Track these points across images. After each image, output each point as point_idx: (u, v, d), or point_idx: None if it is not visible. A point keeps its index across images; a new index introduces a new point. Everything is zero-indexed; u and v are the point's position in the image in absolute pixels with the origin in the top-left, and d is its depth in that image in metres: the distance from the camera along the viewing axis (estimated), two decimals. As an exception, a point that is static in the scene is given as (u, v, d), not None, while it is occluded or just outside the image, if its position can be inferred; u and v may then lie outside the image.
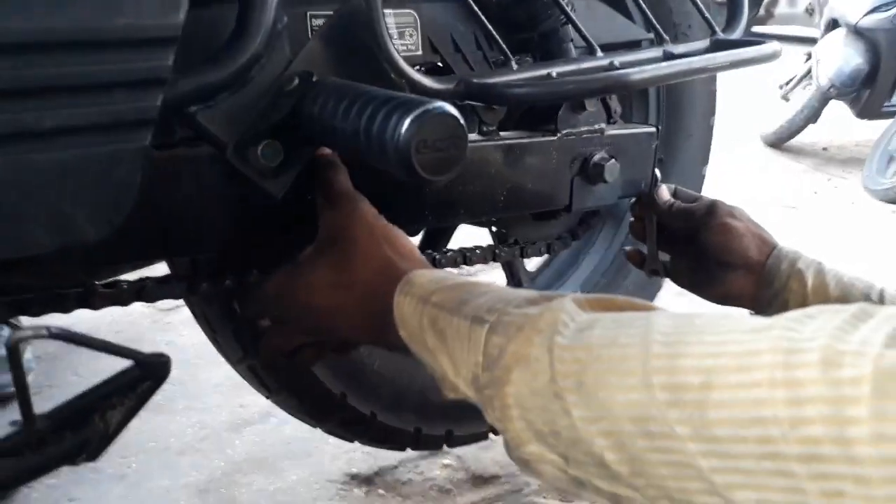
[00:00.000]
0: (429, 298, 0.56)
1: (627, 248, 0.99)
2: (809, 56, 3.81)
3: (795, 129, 3.79)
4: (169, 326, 1.67)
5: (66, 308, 0.67)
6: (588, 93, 0.73)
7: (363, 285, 0.61)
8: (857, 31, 3.49)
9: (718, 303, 0.88)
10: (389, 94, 0.51)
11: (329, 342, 0.67)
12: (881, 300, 0.76)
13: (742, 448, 0.38)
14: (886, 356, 0.34)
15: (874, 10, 3.45)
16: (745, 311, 0.87)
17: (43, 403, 1.35)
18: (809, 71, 3.76)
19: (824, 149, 3.97)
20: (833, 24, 3.73)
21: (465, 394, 0.54)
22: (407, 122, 0.47)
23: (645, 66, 0.69)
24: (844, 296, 0.77)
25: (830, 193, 3.16)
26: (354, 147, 0.52)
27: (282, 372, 0.93)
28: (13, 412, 1.35)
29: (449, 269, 0.92)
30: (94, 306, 0.68)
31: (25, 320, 0.82)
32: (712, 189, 3.20)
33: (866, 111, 3.66)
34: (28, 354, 1.44)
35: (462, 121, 0.50)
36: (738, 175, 3.34)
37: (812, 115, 3.69)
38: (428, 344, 0.55)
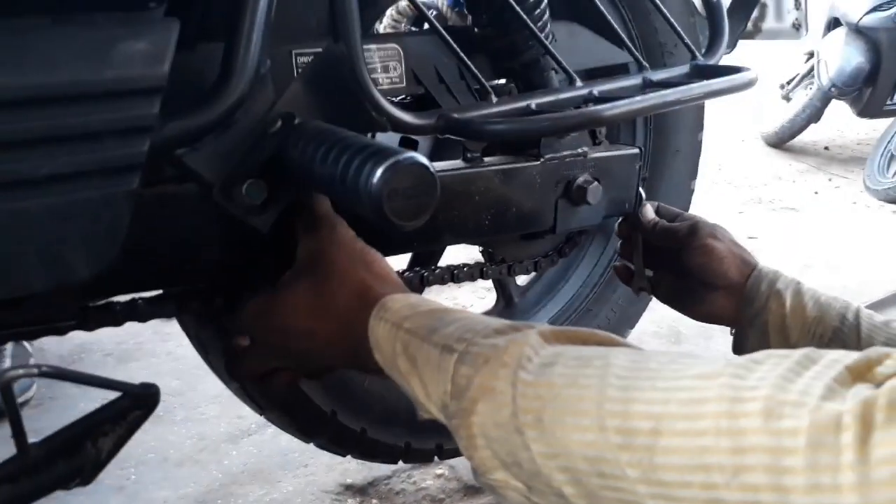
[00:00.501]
0: (402, 324, 0.58)
1: (616, 263, 1.01)
2: (811, 55, 3.81)
3: (797, 128, 3.79)
4: (169, 337, 1.69)
5: (60, 332, 0.69)
6: (562, 129, 0.75)
7: (340, 309, 0.62)
8: (859, 30, 3.48)
9: (701, 321, 0.90)
10: (364, 143, 0.53)
11: (304, 366, 0.68)
12: (856, 319, 0.78)
13: (687, 493, 0.40)
14: (823, 409, 0.36)
15: (875, 8, 3.44)
16: (725, 329, 0.89)
17: (45, 416, 1.39)
18: (811, 70, 3.76)
19: (826, 148, 3.97)
20: (834, 24, 3.72)
21: (437, 417, 0.56)
22: (378, 172, 0.50)
23: (619, 100, 0.70)
24: (821, 315, 0.78)
25: (831, 193, 3.17)
26: (331, 192, 0.54)
27: (272, 392, 0.95)
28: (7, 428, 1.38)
29: (436, 286, 0.94)
30: (89, 328, 0.70)
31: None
32: (713, 191, 3.18)
33: (868, 110, 3.66)
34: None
35: (432, 169, 0.52)
36: (739, 176, 3.35)
37: (814, 114, 3.69)
38: (401, 369, 0.57)
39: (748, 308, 0.82)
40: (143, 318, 0.73)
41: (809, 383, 0.38)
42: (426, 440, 1.07)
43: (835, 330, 0.77)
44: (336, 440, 1.03)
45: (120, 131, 0.54)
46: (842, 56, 3.52)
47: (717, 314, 0.86)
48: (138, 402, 0.62)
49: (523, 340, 0.51)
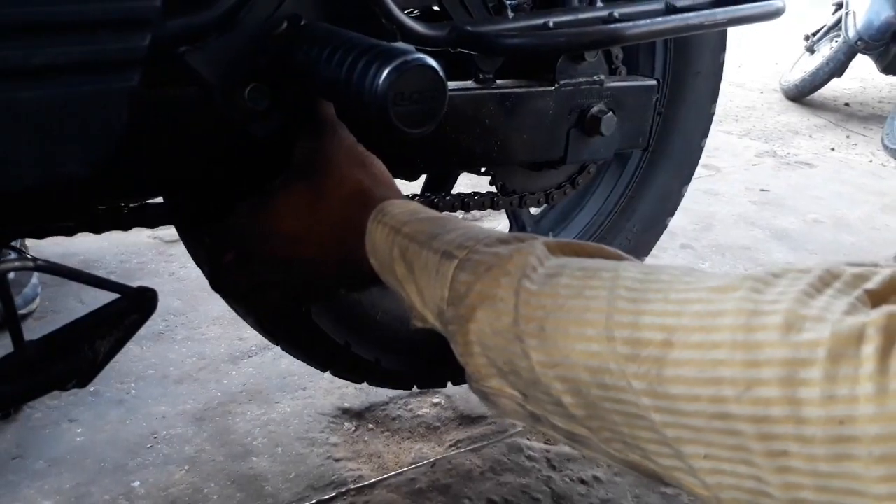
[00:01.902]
0: (401, 229, 0.56)
1: None
2: (839, 6, 3.69)
3: (818, 82, 3.70)
4: (172, 258, 1.70)
5: (68, 232, 0.68)
6: (581, 45, 0.72)
7: (336, 209, 0.61)
8: (891, -18, 3.37)
9: None
10: (371, 44, 0.51)
11: (291, 279, 0.66)
12: None
13: (694, 406, 0.39)
14: (844, 322, 0.35)
15: (910, -41, 3.32)
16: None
17: (48, 328, 1.39)
18: (838, 22, 3.65)
19: (846, 104, 3.88)
20: (866, -26, 3.60)
21: (432, 324, 0.55)
22: (385, 73, 0.47)
23: (641, 20, 0.67)
24: None
25: (848, 150, 3.11)
26: (336, 96, 0.52)
27: (288, 324, 0.95)
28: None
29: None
30: (97, 230, 0.69)
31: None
32: (728, 142, 3.14)
33: (892, 67, 3.57)
34: (34, 279, 1.47)
35: (441, 73, 0.50)
36: (755, 128, 3.29)
37: (837, 68, 3.60)
38: (397, 274, 0.56)
39: None
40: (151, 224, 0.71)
41: (831, 300, 0.37)
42: (439, 367, 1.08)
43: None
44: (351, 370, 1.04)
45: (119, 22, 0.51)
46: (871, 8, 3.41)
47: None
48: (136, 305, 0.61)
49: (528, 250, 0.50)
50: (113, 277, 1.64)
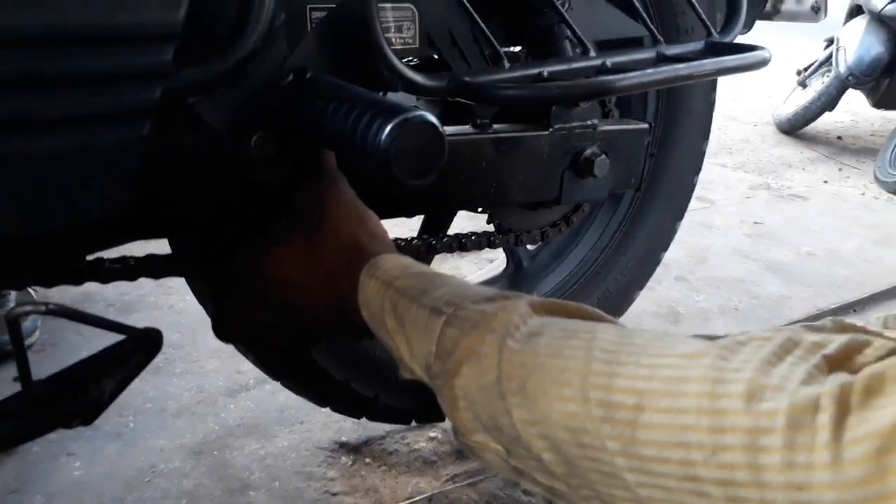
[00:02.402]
0: (392, 283, 0.58)
1: None
2: (830, 42, 3.76)
3: (811, 116, 3.76)
4: (171, 290, 1.71)
5: (76, 281, 0.70)
6: (573, 98, 0.75)
7: (330, 262, 0.63)
8: (881, 19, 3.43)
9: None
10: (373, 99, 0.53)
11: (287, 323, 0.68)
12: None
13: (665, 468, 0.41)
14: (802, 392, 0.37)
15: (899, -2, 3.39)
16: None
17: (47, 362, 1.41)
18: (829, 57, 3.72)
19: (839, 137, 3.93)
20: (856, 11, 3.67)
21: (420, 377, 0.57)
22: (387, 129, 0.50)
23: (631, 72, 0.70)
24: None
25: (841, 183, 3.15)
26: (340, 148, 0.54)
27: (288, 361, 0.97)
28: (15, 369, 1.40)
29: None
30: (103, 279, 0.71)
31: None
32: (722, 175, 3.17)
33: (884, 101, 3.62)
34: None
35: (441, 129, 0.52)
36: (749, 161, 3.33)
37: (829, 102, 3.65)
38: (387, 326, 0.58)
39: None
40: (156, 276, 0.74)
41: (790, 369, 0.39)
42: (436, 404, 1.10)
43: None
44: (350, 406, 1.05)
45: (134, 76, 0.54)
46: (861, 44, 3.48)
47: None
48: (141, 345, 0.63)
49: (512, 309, 0.52)
50: (112, 310, 1.66)
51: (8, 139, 0.51)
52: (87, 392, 0.63)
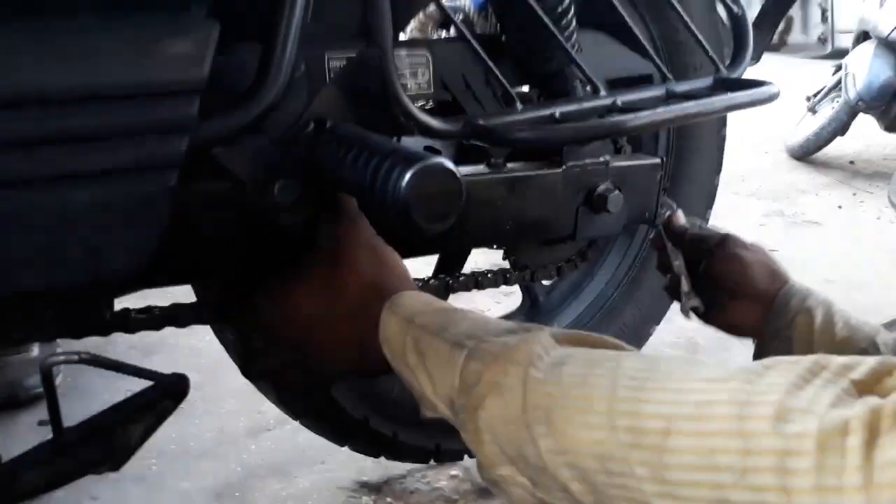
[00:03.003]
0: (413, 319, 0.59)
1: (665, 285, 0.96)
2: (838, 68, 3.78)
3: (822, 141, 3.76)
4: (192, 332, 1.70)
5: (104, 332, 0.72)
6: (585, 139, 0.76)
7: (352, 298, 0.64)
8: (889, 44, 3.45)
9: (724, 330, 0.90)
10: (393, 148, 0.55)
11: (310, 361, 0.69)
12: (887, 347, 0.77)
13: (694, 492, 0.41)
14: (831, 415, 0.38)
15: (906, 23, 3.41)
16: (741, 343, 0.89)
17: (70, 404, 1.41)
18: (838, 83, 3.73)
19: (851, 162, 3.93)
20: (864, 37, 3.70)
21: (443, 413, 0.57)
22: (406, 177, 0.51)
23: (641, 111, 0.72)
24: (850, 336, 0.78)
25: (855, 208, 3.14)
26: (360, 195, 0.56)
27: (308, 400, 0.98)
28: (42, 412, 1.42)
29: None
30: (130, 330, 0.73)
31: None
32: (735, 202, 3.15)
33: (895, 125, 3.63)
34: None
35: (458, 174, 0.54)
36: (762, 188, 3.33)
37: (840, 127, 3.66)
38: (409, 363, 0.58)
39: (775, 321, 0.81)
40: (181, 325, 0.75)
41: (818, 392, 0.40)
42: (455, 440, 1.09)
43: (862, 352, 0.76)
44: (369, 444, 1.06)
45: (160, 130, 0.56)
46: (870, 70, 3.49)
47: (739, 323, 0.86)
48: (169, 391, 0.64)
49: (534, 340, 0.53)
50: (134, 352, 1.68)
51: (39, 194, 0.53)
52: (115, 438, 0.65)
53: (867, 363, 0.41)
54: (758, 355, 0.85)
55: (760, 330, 0.84)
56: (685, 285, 0.90)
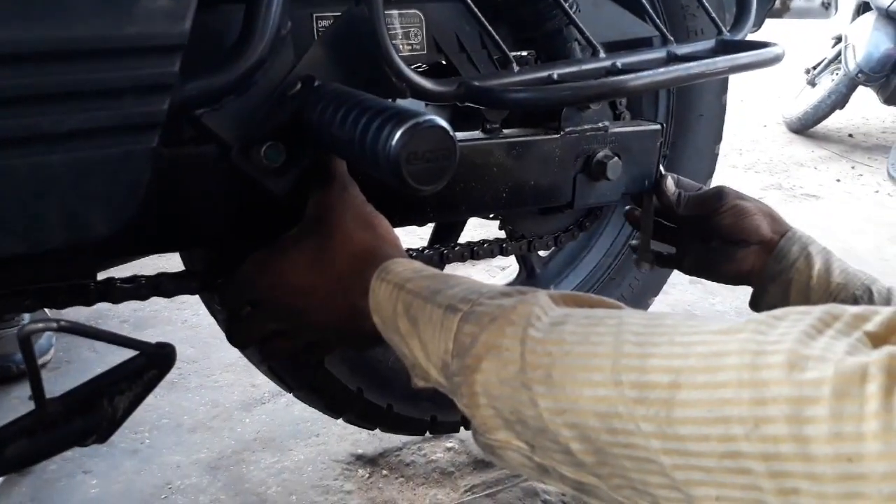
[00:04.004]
0: (404, 285, 0.57)
1: (633, 242, 1.01)
2: (838, 40, 3.74)
3: (821, 114, 3.74)
4: (184, 306, 1.71)
5: (88, 302, 0.70)
6: (585, 99, 0.74)
7: (341, 267, 0.62)
8: (889, 16, 3.41)
9: (728, 281, 0.90)
10: (383, 105, 0.52)
11: (299, 330, 0.68)
12: (881, 295, 0.78)
13: (704, 447, 0.39)
14: (847, 361, 0.36)
15: (908, -7, 3.37)
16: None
17: (62, 379, 1.41)
18: (838, 55, 3.70)
19: (850, 135, 3.91)
20: (864, 8, 3.65)
21: (436, 380, 0.56)
22: (398, 134, 0.49)
23: (642, 71, 0.69)
24: (846, 283, 0.80)
25: (854, 181, 3.12)
26: (349, 154, 0.54)
27: (301, 372, 0.96)
28: (30, 388, 1.40)
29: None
30: (115, 300, 0.71)
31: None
32: (732, 176, 3.14)
33: (894, 98, 3.60)
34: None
35: (452, 133, 0.51)
36: (760, 162, 3.31)
37: (839, 100, 3.64)
38: (401, 329, 0.57)
39: (775, 264, 0.84)
40: (167, 294, 0.73)
41: (832, 341, 0.38)
42: (451, 412, 1.08)
43: (857, 298, 0.78)
44: (363, 416, 1.05)
45: (140, 89, 0.54)
46: (870, 41, 3.45)
47: (747, 270, 0.87)
48: (154, 361, 0.62)
49: (532, 301, 0.51)
50: (126, 325, 1.67)
51: (14, 154, 0.51)
52: (100, 409, 0.63)
53: (882, 313, 0.39)
54: (755, 298, 0.87)
55: (763, 273, 0.85)
56: (646, 238, 0.96)
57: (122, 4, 0.51)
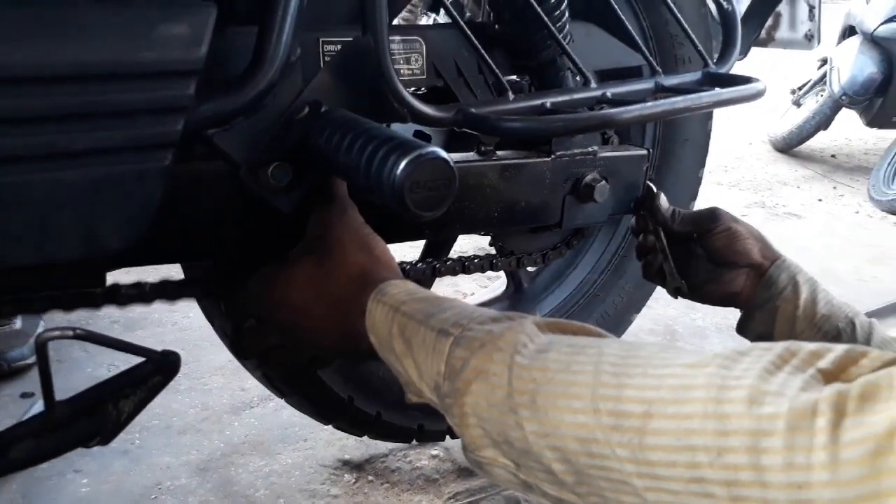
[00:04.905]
0: (399, 307, 0.61)
1: (648, 258, 0.98)
2: (824, 62, 3.82)
3: (805, 134, 3.81)
4: (175, 308, 1.73)
5: (95, 306, 0.72)
6: (575, 130, 0.77)
7: (339, 288, 0.65)
8: (874, 40, 3.49)
9: (716, 302, 0.93)
10: (388, 135, 0.56)
11: (297, 345, 0.70)
12: (863, 329, 0.81)
13: (673, 472, 0.43)
14: (801, 397, 0.40)
15: (891, 19, 3.44)
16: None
17: (54, 378, 1.42)
18: (823, 77, 3.77)
19: (833, 156, 3.98)
20: (849, 32, 3.73)
21: (429, 398, 0.59)
22: (402, 164, 0.52)
23: (631, 104, 0.73)
24: (830, 315, 0.83)
25: (835, 202, 3.19)
26: (354, 180, 0.57)
27: (295, 379, 0.99)
28: (25, 384, 1.41)
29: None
30: (120, 303, 0.74)
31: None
32: (716, 193, 3.18)
33: (877, 120, 3.67)
34: (40, 330, 1.50)
35: (452, 164, 0.55)
36: (744, 179, 3.37)
37: (823, 121, 3.71)
38: (396, 350, 0.60)
39: (764, 291, 0.86)
40: (171, 299, 0.76)
41: (788, 377, 0.42)
42: (438, 422, 1.11)
43: (840, 330, 0.81)
44: (353, 423, 1.07)
45: (157, 110, 0.57)
46: (855, 65, 3.53)
47: (733, 292, 0.89)
48: (160, 368, 0.65)
49: (519, 328, 0.55)
50: (117, 326, 1.68)
51: (35, 170, 0.53)
52: (105, 412, 0.65)
53: (835, 351, 0.43)
54: (743, 324, 0.90)
55: (751, 299, 0.88)
56: (670, 266, 0.94)
57: (143, 31, 0.54)
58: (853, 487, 0.36)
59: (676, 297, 0.96)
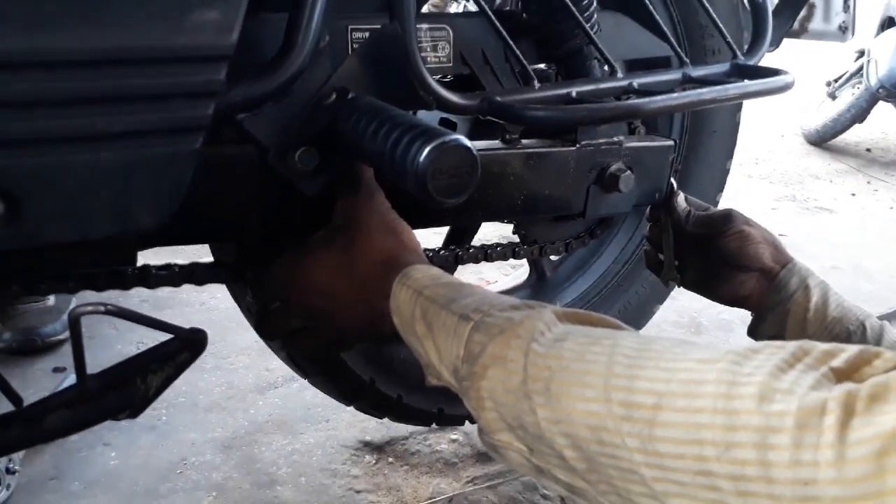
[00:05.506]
0: (422, 291, 0.62)
1: (646, 248, 1.04)
2: (861, 54, 3.74)
3: (840, 128, 3.74)
4: (203, 288, 1.76)
5: (126, 286, 0.75)
6: (600, 120, 0.77)
7: (365, 271, 0.67)
8: (913, 32, 3.41)
9: (726, 303, 0.93)
10: (413, 122, 0.57)
11: (322, 327, 0.72)
12: (874, 331, 0.81)
13: (680, 464, 0.44)
14: (810, 396, 0.40)
15: (934, 11, 3.37)
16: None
17: (85, 354, 1.46)
18: (860, 69, 3.69)
19: (868, 150, 3.91)
20: (888, 23, 3.65)
21: (447, 381, 0.61)
22: (426, 151, 0.53)
23: (657, 94, 0.73)
24: (841, 317, 0.82)
25: (869, 197, 3.13)
26: (379, 166, 0.58)
27: (298, 351, 1.01)
28: (58, 359, 1.45)
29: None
30: (150, 285, 0.76)
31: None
32: (747, 185, 3.14)
33: (914, 115, 3.60)
34: (72, 307, 1.54)
35: (475, 151, 0.56)
36: (775, 172, 3.33)
37: (859, 114, 3.64)
38: (417, 332, 0.61)
39: (775, 295, 0.86)
40: (200, 282, 0.78)
41: (800, 375, 0.42)
42: (458, 406, 1.12)
43: (851, 332, 0.81)
44: (374, 405, 1.09)
45: (188, 94, 0.58)
46: (893, 57, 3.45)
47: (744, 295, 0.90)
48: (187, 345, 0.67)
49: (537, 317, 0.56)
50: (146, 305, 1.72)
51: (76, 151, 0.55)
52: (134, 387, 0.68)
53: (848, 351, 0.43)
54: (754, 327, 0.90)
55: (762, 303, 0.88)
56: (669, 259, 0.97)
57: (175, 17, 0.55)
58: (858, 485, 0.37)
59: (667, 286, 1.02)
